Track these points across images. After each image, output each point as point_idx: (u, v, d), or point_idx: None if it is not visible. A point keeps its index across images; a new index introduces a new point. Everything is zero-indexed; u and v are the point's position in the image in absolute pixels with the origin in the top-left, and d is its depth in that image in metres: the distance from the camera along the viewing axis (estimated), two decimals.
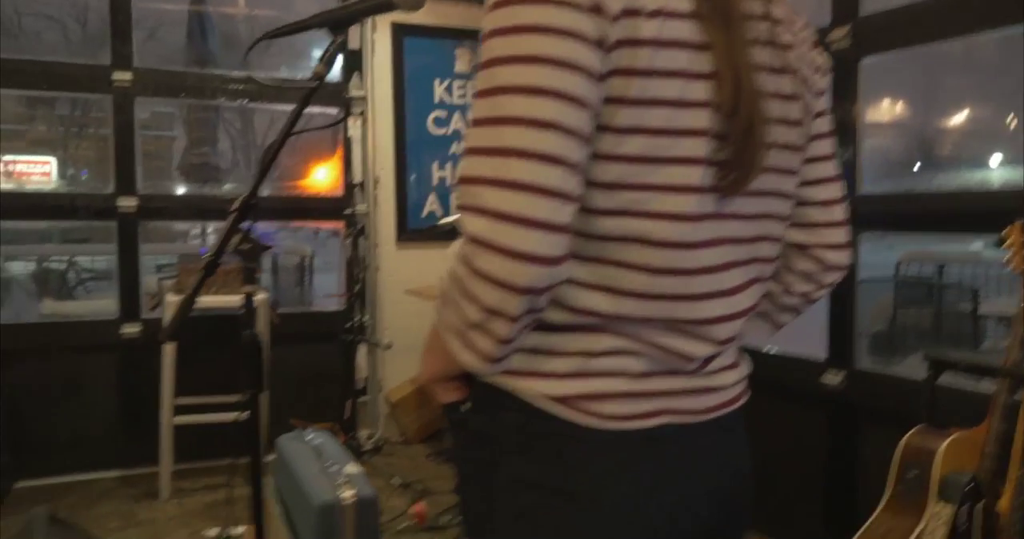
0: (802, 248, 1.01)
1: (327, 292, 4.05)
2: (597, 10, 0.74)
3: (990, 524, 1.83)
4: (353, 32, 3.94)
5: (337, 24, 1.43)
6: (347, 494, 1.92)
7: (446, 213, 4.23)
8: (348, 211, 3.93)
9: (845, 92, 2.61)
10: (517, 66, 0.74)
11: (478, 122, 0.76)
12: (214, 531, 2.83)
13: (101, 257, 6.20)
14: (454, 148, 4.27)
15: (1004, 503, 1.82)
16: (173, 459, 3.34)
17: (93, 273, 6.34)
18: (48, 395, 3.50)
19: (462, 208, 0.75)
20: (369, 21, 3.98)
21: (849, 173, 2.60)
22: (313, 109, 4.22)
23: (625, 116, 0.76)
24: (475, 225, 0.74)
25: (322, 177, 5.47)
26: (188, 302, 1.34)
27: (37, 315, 4.11)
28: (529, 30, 0.74)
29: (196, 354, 3.43)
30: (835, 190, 1.00)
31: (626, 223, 0.79)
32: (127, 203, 3.56)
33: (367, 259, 4.00)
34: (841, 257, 1.01)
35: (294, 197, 4.69)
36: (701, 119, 0.78)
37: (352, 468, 2.10)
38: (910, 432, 1.97)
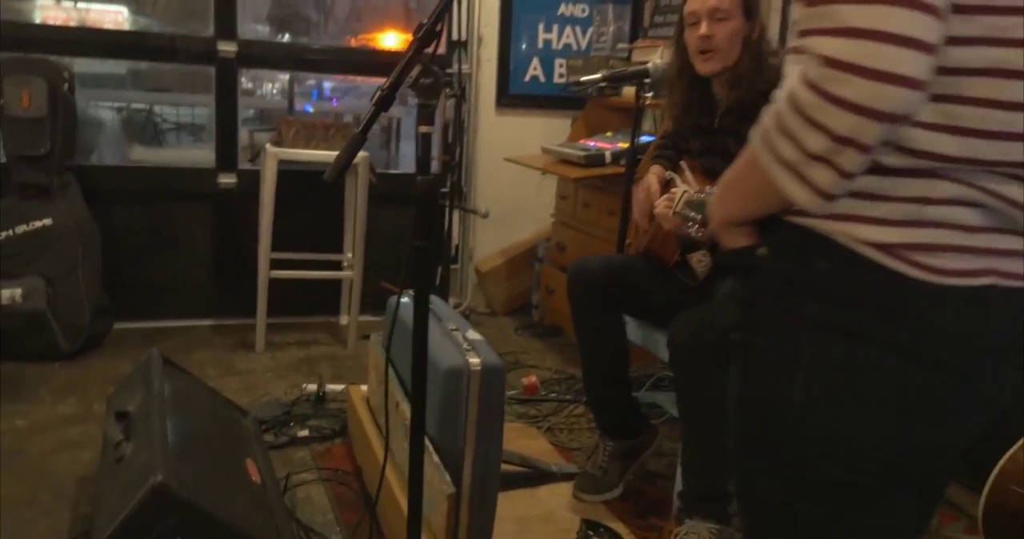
0: None
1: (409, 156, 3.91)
2: None
3: None
4: None
5: None
6: (475, 360, 1.85)
7: (549, 79, 4.00)
8: (450, 70, 3.73)
9: None
10: None
11: None
12: (312, 385, 2.83)
13: (185, 107, 6.10)
14: (562, 8, 3.98)
15: None
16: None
17: (174, 123, 6.27)
18: (145, 240, 3.49)
19: (809, 32, 0.70)
20: None
21: None
22: None
23: None
24: (831, 46, 0.68)
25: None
26: (356, 144, 1.23)
27: (124, 160, 4.05)
28: None
29: (292, 209, 3.37)
30: None
31: (983, 52, 0.72)
32: (227, 48, 3.40)
33: (467, 123, 3.83)
34: None
35: (385, 51, 4.40)
36: None
37: (474, 335, 2.02)
38: None
